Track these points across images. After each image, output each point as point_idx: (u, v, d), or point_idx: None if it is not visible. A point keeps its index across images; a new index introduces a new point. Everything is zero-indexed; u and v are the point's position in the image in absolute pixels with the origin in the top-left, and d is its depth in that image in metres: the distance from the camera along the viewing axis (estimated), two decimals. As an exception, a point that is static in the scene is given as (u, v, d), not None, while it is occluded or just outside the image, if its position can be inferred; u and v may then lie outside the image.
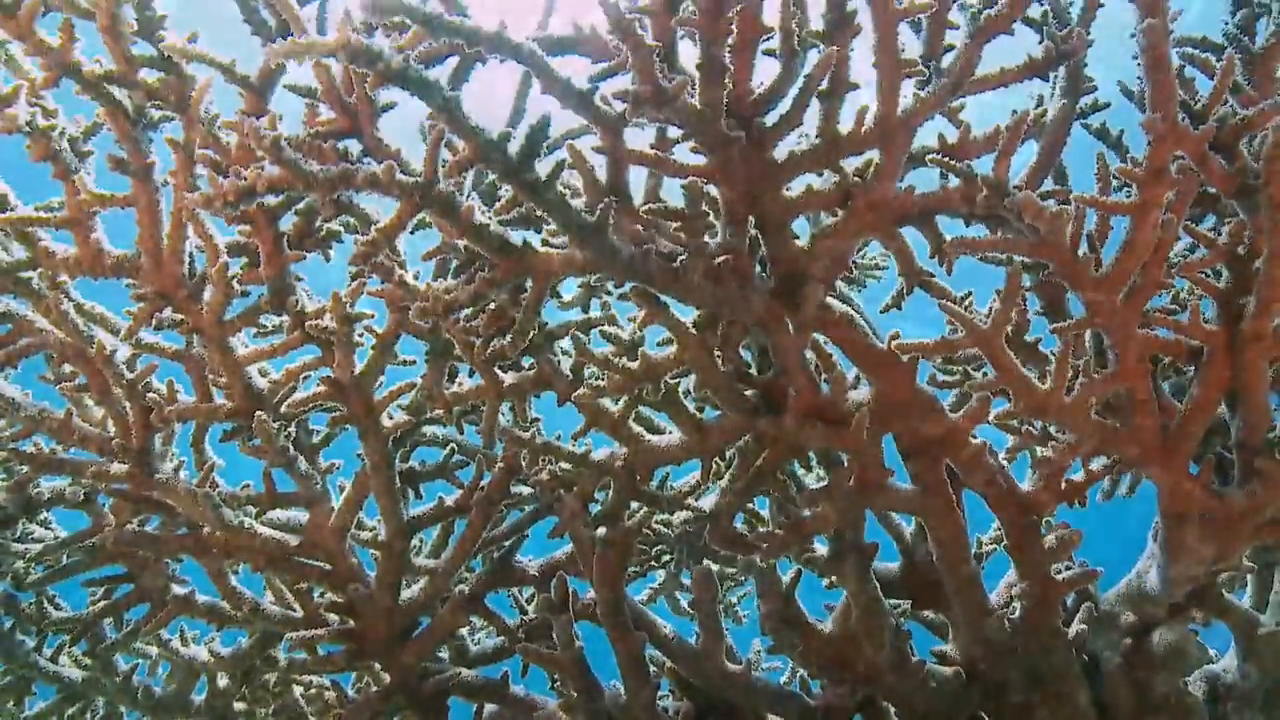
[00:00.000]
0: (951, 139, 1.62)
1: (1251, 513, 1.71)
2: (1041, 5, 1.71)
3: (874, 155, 1.57)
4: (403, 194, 1.37)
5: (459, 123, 1.23)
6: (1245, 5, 1.86)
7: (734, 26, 1.40)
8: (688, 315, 1.65)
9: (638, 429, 1.75)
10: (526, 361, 1.77)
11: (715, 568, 2.16)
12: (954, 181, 1.58)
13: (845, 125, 1.55)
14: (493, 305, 1.59)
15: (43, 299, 1.70)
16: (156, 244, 1.65)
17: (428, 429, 1.92)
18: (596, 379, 1.63)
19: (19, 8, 1.45)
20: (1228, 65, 1.44)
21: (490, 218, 1.43)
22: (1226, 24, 1.71)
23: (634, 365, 1.59)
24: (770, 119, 1.54)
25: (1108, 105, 1.81)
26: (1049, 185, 1.81)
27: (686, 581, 2.35)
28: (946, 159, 1.60)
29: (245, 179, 1.34)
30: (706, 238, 1.56)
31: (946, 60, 1.57)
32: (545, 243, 1.51)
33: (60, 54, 1.50)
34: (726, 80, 1.42)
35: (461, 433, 1.95)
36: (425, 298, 1.56)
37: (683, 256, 1.51)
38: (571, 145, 1.47)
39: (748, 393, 1.72)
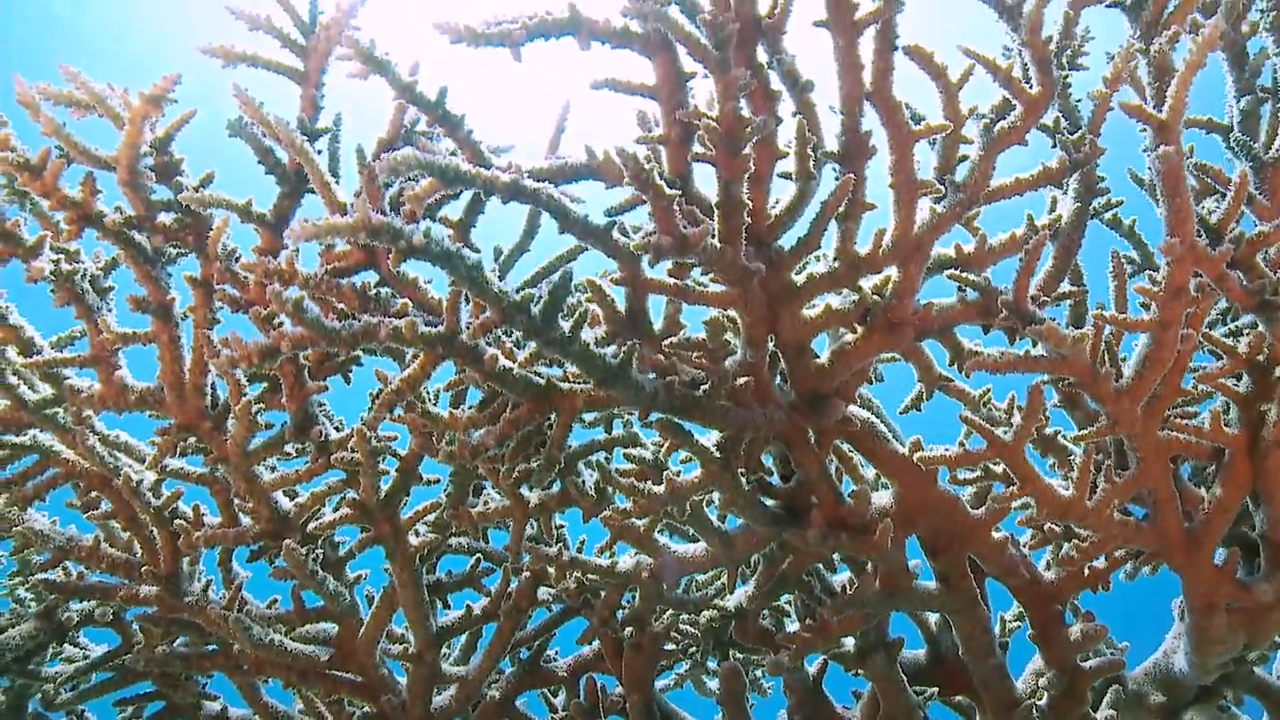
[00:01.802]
0: (967, 247, 1.63)
1: None
2: (1053, 109, 1.71)
3: (892, 272, 1.58)
4: (426, 347, 1.38)
5: (484, 290, 1.24)
6: (1249, 92, 1.86)
7: (751, 162, 1.40)
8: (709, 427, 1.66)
9: (663, 540, 1.76)
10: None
11: (740, 656, 2.17)
12: (972, 295, 1.59)
13: (863, 246, 1.55)
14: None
15: (68, 432, 1.71)
16: (178, 378, 1.65)
17: (453, 540, 1.93)
18: (622, 501, 1.64)
19: (44, 168, 1.46)
20: (1241, 184, 1.44)
21: (513, 347, 1.43)
22: (1232, 126, 1.71)
23: (659, 490, 1.59)
24: (788, 241, 1.55)
25: (1121, 203, 1.81)
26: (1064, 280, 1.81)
27: (712, 666, 2.36)
28: (963, 273, 1.61)
29: (269, 338, 1.35)
30: (726, 360, 1.57)
31: (961, 172, 1.58)
32: (566, 377, 1.51)
33: (83, 206, 1.51)
34: (745, 215, 1.43)
35: (487, 541, 1.96)
36: (449, 425, 1.57)
37: (704, 386, 1.52)
38: (591, 280, 1.48)
39: (771, 503, 1.73)
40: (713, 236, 1.44)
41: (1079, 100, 1.74)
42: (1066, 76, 1.66)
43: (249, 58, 1.55)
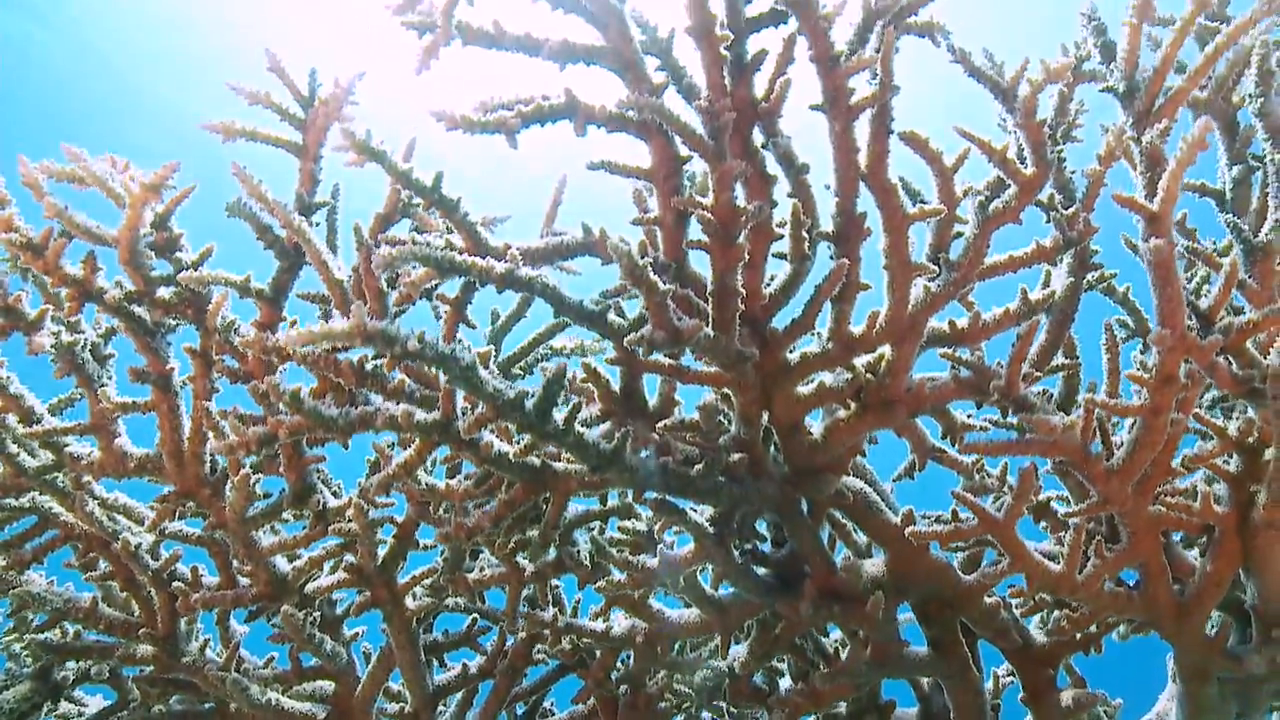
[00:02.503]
0: (961, 322, 1.64)
1: (1272, 677, 1.72)
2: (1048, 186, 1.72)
3: (885, 350, 1.59)
4: (422, 435, 1.39)
5: (479, 390, 1.25)
6: (1241, 161, 1.87)
7: (746, 251, 1.41)
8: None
9: (657, 605, 1.77)
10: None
11: (734, 711, 2.18)
12: (965, 373, 1.60)
13: (857, 325, 1.56)
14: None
15: (67, 496, 1.72)
16: (177, 446, 1.67)
17: (450, 599, 1.94)
18: (617, 571, 1.65)
19: (46, 247, 1.47)
20: (1232, 271, 1.45)
21: (511, 433, 1.45)
22: (1224, 191, 1.72)
23: (653, 564, 1.61)
24: (783, 319, 1.56)
25: (1114, 275, 1.82)
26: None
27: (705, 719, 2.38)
28: (957, 348, 1.62)
29: (267, 425, 1.37)
30: (721, 437, 1.58)
31: (955, 250, 1.59)
32: (560, 457, 1.53)
33: (84, 283, 1.53)
34: (739, 302, 1.44)
35: (483, 601, 1.97)
36: (446, 497, 1.59)
37: (699, 466, 1.53)
38: (586, 364, 1.49)
39: (764, 572, 1.74)
40: (707, 323, 1.45)
41: (1074, 172, 1.74)
42: (1061, 151, 1.67)
43: (248, 133, 1.56)
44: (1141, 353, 1.97)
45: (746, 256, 1.42)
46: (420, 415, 1.38)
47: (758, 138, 1.51)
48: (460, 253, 1.49)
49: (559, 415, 1.34)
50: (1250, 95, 1.57)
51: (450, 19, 1.38)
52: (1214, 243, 1.97)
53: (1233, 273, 1.46)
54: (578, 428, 1.36)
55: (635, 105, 1.33)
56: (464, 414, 1.40)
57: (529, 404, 1.30)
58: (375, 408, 1.36)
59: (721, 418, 1.61)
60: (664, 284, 1.33)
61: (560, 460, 1.51)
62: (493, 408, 1.27)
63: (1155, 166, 1.47)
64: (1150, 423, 1.49)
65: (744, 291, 1.44)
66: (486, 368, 1.46)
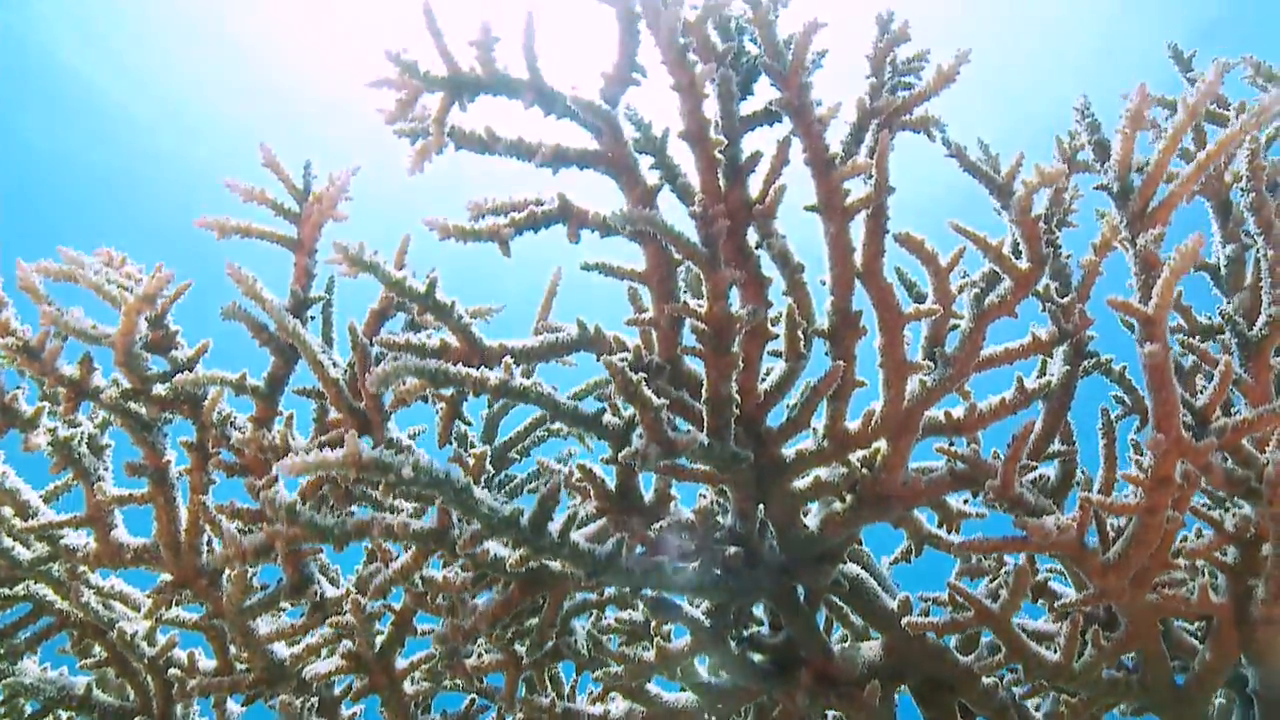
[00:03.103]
0: (956, 413, 1.64)
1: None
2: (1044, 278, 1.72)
3: (881, 444, 1.59)
4: (418, 543, 1.39)
5: (473, 511, 1.25)
6: (1234, 240, 1.87)
7: (740, 359, 1.41)
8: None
9: (655, 690, 1.77)
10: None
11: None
12: (961, 466, 1.60)
13: (852, 421, 1.56)
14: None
15: (62, 585, 1.72)
16: (174, 537, 1.67)
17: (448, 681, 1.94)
18: (614, 665, 1.65)
19: (43, 350, 1.48)
20: (1226, 370, 1.45)
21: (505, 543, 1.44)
22: (1219, 266, 1.72)
23: (649, 656, 1.61)
24: (777, 418, 1.56)
25: (1109, 361, 1.82)
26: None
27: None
28: (953, 439, 1.62)
29: (263, 536, 1.37)
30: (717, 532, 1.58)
31: (950, 343, 1.59)
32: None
33: (80, 384, 1.53)
34: (734, 406, 1.44)
35: (481, 681, 1.97)
36: (443, 588, 1.59)
37: (694, 564, 1.53)
38: (581, 464, 1.49)
39: (760, 658, 1.74)
40: (701, 426, 1.45)
41: (1069, 256, 1.74)
42: (1057, 239, 1.67)
43: (242, 230, 1.56)
44: (1137, 432, 1.97)
45: (741, 364, 1.42)
46: (416, 525, 1.38)
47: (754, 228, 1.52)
48: (455, 357, 1.50)
49: (554, 526, 1.34)
50: (1243, 188, 1.57)
51: (443, 127, 1.38)
52: (1209, 317, 1.98)
53: (1227, 372, 1.46)
54: (573, 537, 1.36)
55: (628, 219, 1.33)
56: (461, 521, 1.40)
57: (524, 520, 1.30)
58: (371, 518, 1.36)
59: (717, 512, 1.61)
60: (658, 399, 1.33)
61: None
62: (488, 527, 1.27)
63: (1150, 270, 1.47)
64: (1146, 521, 1.49)
65: (739, 395, 1.45)
66: (482, 470, 1.47)
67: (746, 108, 1.51)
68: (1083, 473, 1.88)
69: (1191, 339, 1.61)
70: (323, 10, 15.12)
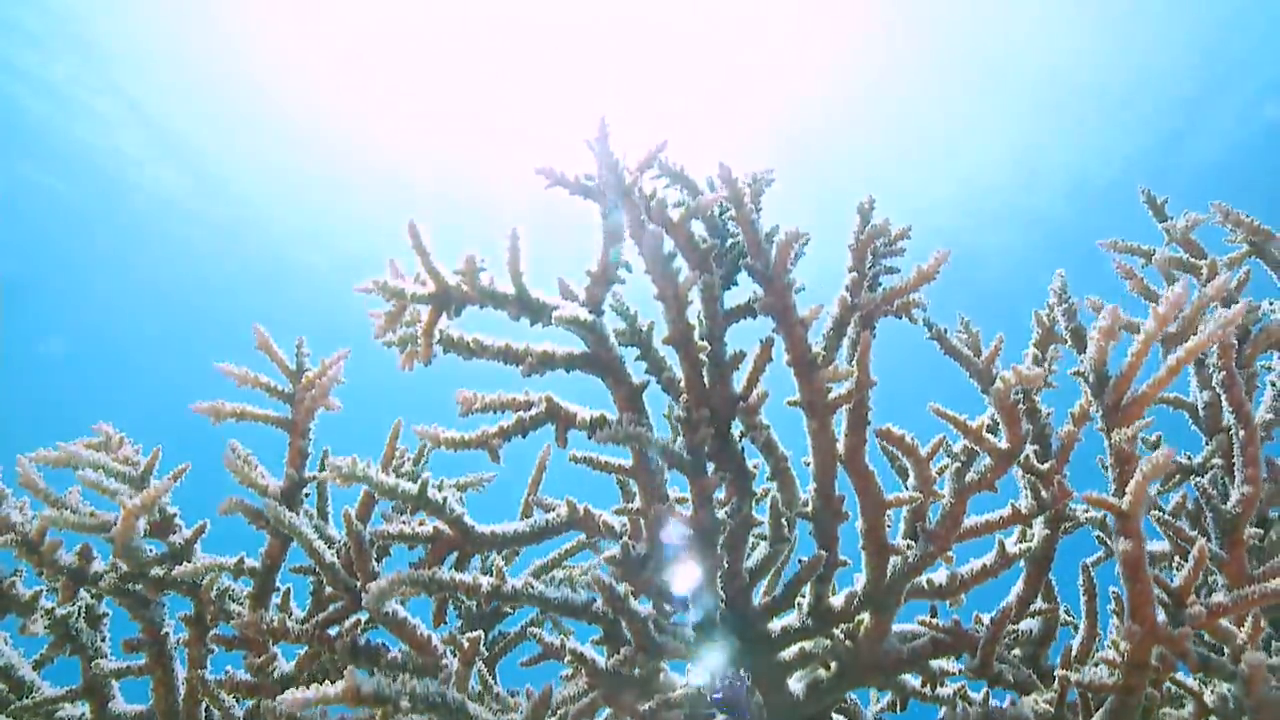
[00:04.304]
0: (938, 578, 1.68)
1: None
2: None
3: (864, 616, 1.63)
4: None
5: (466, 733, 1.29)
6: (1208, 386, 1.91)
7: (725, 560, 1.45)
8: None
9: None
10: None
11: None
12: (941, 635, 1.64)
13: (836, 598, 1.60)
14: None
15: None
16: (171, 707, 1.70)
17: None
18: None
19: (41, 543, 1.51)
20: (1200, 554, 1.49)
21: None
22: (1197, 407, 1.75)
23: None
24: (762, 596, 1.60)
25: (1091, 521, 1.86)
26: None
27: None
28: (934, 610, 1.65)
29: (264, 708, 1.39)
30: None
31: (931, 517, 1.62)
32: None
33: (79, 573, 1.56)
34: (720, 591, 1.48)
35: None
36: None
37: (684, 744, 1.56)
38: (572, 649, 1.52)
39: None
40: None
41: (1049, 414, 1.78)
42: (1036, 406, 1.70)
43: (238, 414, 1.59)
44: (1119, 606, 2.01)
45: (726, 565, 1.45)
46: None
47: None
48: (446, 545, 1.54)
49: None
50: (1215, 364, 1.61)
51: (431, 339, 1.41)
52: (1189, 457, 2.01)
53: (1201, 556, 1.49)
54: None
55: (614, 436, 1.36)
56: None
57: (516, 738, 1.33)
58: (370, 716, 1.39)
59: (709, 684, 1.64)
60: (643, 610, 1.36)
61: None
62: (479, 750, 1.30)
63: (1124, 464, 1.50)
64: (1124, 700, 1.53)
65: (724, 580, 1.48)
66: (476, 654, 1.50)
67: (731, 298, 1.54)
68: (1066, 613, 1.91)
69: (1170, 519, 1.65)
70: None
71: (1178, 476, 1.97)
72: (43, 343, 18.86)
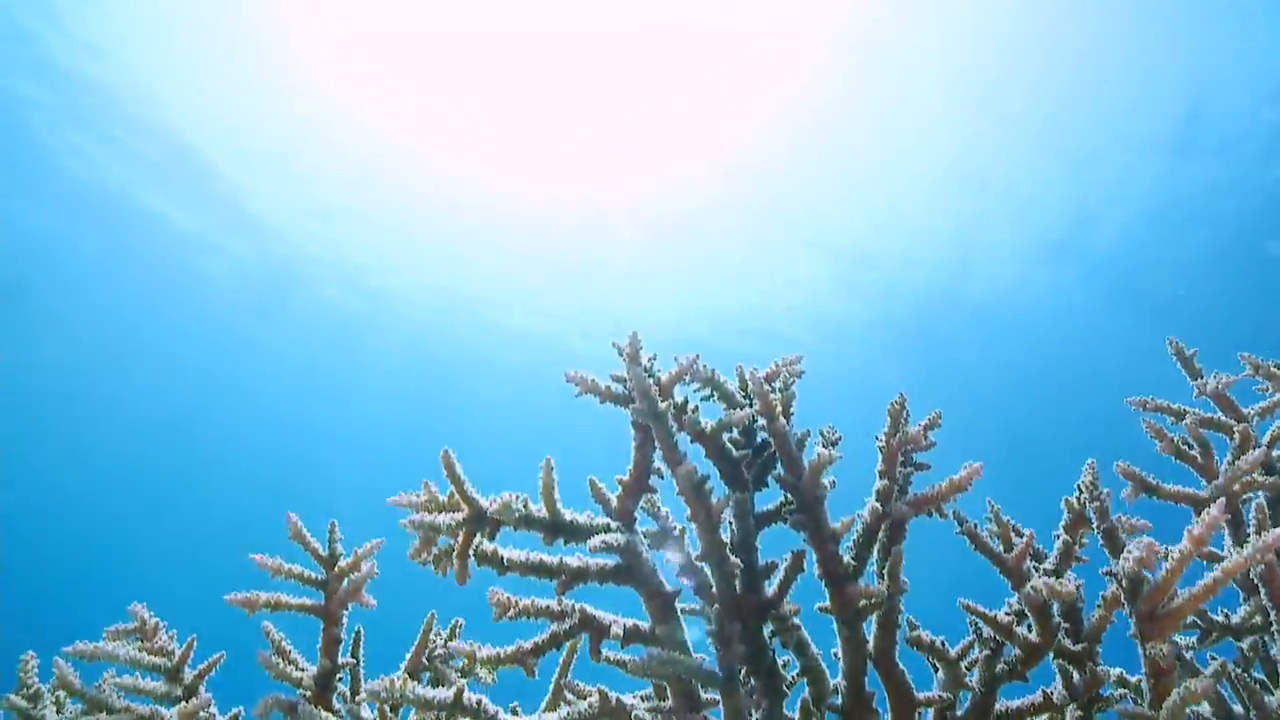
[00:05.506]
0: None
1: None
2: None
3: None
4: None
5: None
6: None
7: None
8: None
9: None
10: None
11: None
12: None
13: (865, 791, 1.61)
14: None
15: None
16: None
17: None
18: None
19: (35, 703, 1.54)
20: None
21: None
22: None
23: None
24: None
25: (1122, 697, 1.85)
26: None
27: None
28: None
29: None
30: None
31: (961, 706, 1.62)
32: None
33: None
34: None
35: None
36: None
37: None
38: None
39: None
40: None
41: (1080, 586, 1.77)
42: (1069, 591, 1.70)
43: (272, 604, 1.61)
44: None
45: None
46: None
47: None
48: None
49: None
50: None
51: (466, 560, 1.42)
52: (1226, 615, 2.00)
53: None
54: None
55: (647, 668, 1.37)
56: None
57: None
58: None
59: None
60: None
61: None
62: None
63: (1159, 676, 1.50)
64: None
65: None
66: None
67: (762, 501, 1.54)
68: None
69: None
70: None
71: (1214, 635, 1.96)
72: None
